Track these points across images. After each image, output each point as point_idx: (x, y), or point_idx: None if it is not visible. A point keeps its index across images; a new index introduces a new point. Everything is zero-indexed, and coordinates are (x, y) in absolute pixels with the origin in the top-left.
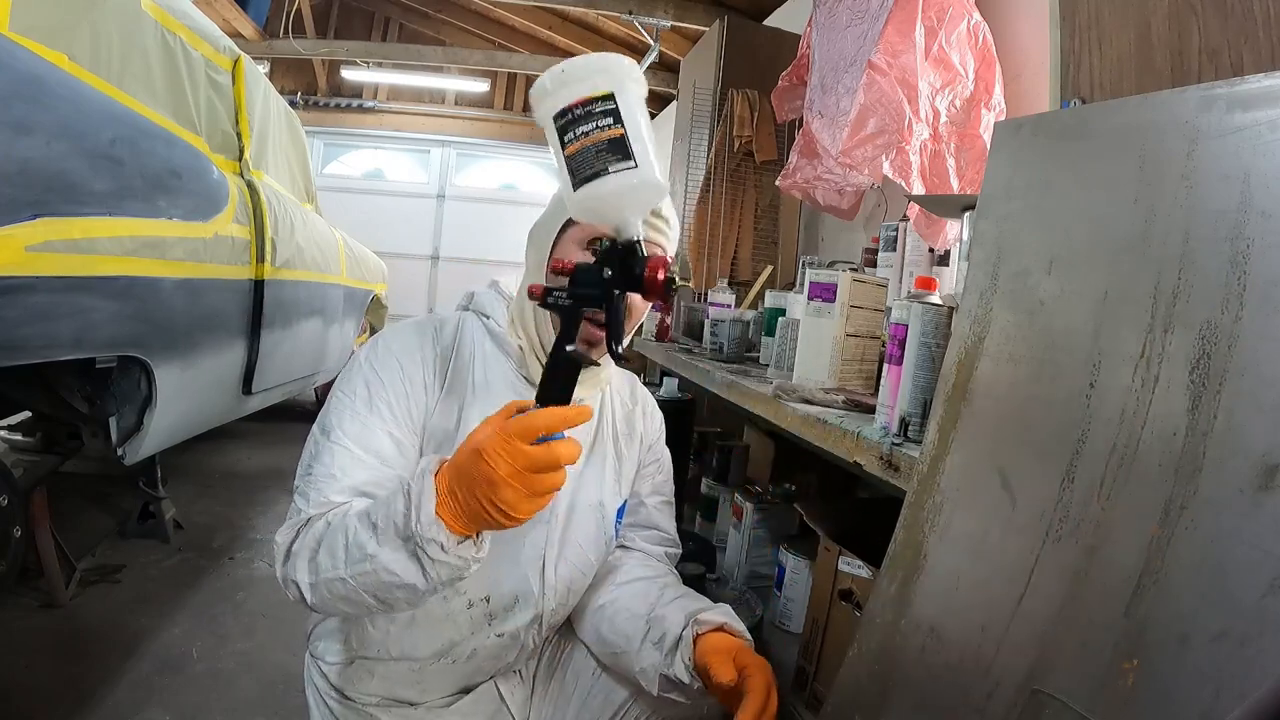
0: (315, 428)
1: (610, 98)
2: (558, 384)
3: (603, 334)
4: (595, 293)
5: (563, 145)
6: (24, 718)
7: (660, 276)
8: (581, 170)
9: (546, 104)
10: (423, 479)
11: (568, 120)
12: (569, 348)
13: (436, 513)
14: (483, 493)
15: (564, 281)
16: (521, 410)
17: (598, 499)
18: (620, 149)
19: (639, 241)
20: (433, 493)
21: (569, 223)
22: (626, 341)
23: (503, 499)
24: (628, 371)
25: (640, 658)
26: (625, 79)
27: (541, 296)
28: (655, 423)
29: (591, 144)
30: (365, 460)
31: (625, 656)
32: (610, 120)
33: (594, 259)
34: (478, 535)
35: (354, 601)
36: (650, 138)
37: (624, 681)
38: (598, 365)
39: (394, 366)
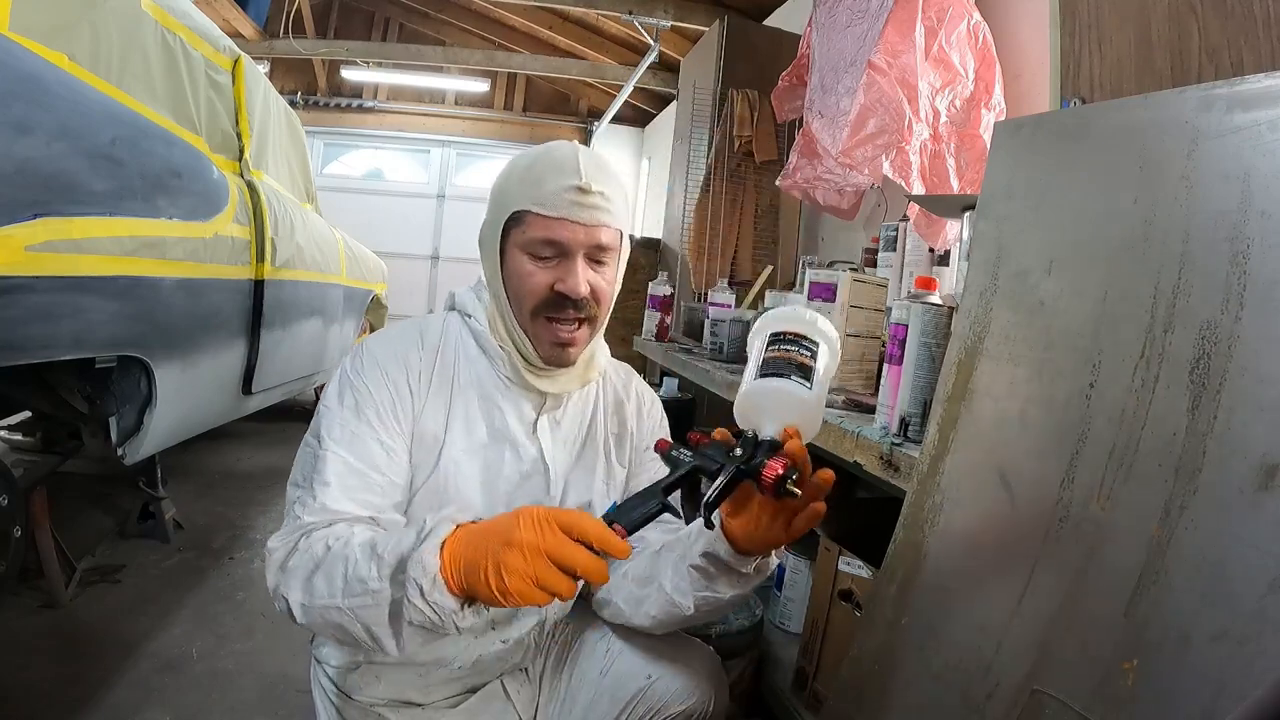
0: (309, 434)
1: (816, 344)
2: (638, 514)
3: (574, 336)
4: (715, 467)
5: (767, 349)
6: (24, 718)
7: (777, 474)
8: (769, 368)
9: (774, 326)
10: (435, 533)
11: (781, 339)
12: (670, 499)
13: (440, 562)
14: (491, 547)
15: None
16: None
17: (586, 500)
18: (805, 373)
19: (771, 441)
20: (436, 547)
21: (509, 226)
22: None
23: (507, 562)
24: (624, 364)
25: (665, 569)
26: (831, 348)
27: (666, 450)
28: (653, 422)
29: (789, 358)
30: (357, 467)
31: (651, 584)
32: (809, 355)
33: (733, 439)
34: (470, 603)
35: (346, 631)
36: (826, 388)
37: (630, 680)
38: (680, 519)
39: (378, 374)
